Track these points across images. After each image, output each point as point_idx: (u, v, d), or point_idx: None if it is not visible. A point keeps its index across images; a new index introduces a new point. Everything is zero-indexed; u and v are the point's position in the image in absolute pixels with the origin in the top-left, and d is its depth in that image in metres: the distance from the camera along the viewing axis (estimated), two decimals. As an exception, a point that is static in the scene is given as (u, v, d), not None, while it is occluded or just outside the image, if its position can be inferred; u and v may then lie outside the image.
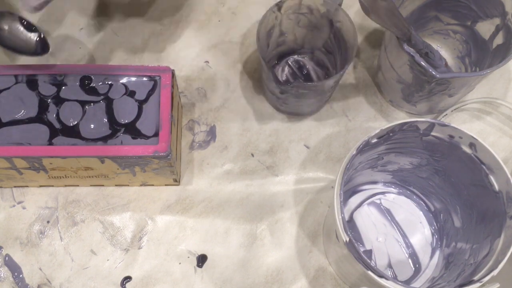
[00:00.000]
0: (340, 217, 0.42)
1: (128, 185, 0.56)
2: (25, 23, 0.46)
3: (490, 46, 0.56)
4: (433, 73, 0.48)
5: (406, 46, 0.49)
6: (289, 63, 0.61)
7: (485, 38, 0.56)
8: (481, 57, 0.57)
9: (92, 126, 0.49)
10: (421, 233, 0.54)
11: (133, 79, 0.50)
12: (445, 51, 0.62)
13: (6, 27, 0.45)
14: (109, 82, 0.50)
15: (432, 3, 0.57)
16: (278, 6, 0.53)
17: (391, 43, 0.53)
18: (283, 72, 0.61)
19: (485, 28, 0.56)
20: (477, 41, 0.58)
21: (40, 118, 0.49)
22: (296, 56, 0.61)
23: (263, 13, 0.52)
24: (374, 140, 0.46)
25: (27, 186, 0.55)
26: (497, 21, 0.54)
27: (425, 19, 0.59)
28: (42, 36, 0.47)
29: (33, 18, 0.52)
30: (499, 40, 0.54)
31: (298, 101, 0.55)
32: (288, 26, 0.56)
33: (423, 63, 0.48)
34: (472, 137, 0.45)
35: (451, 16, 0.58)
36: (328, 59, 0.59)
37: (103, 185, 0.56)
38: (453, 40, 0.61)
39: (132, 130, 0.49)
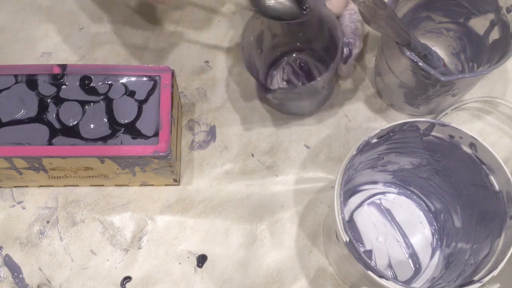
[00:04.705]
0: (340, 217, 0.42)
1: (128, 185, 0.56)
2: None
3: (486, 41, 0.55)
4: (438, 76, 0.48)
5: (408, 52, 0.49)
6: (290, 62, 0.61)
7: (479, 34, 0.56)
8: (477, 52, 0.57)
9: (92, 126, 0.49)
10: (421, 233, 0.54)
11: (133, 79, 0.50)
12: (438, 49, 0.61)
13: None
14: (109, 82, 0.50)
15: (423, 4, 0.56)
16: None
17: (389, 49, 0.52)
18: (284, 72, 0.61)
19: (479, 23, 0.55)
20: (471, 37, 0.57)
21: (40, 118, 0.49)
22: (295, 54, 0.61)
23: (263, 13, 0.52)
24: (374, 140, 0.46)
25: (27, 186, 0.55)
26: (491, 16, 0.54)
27: (417, 19, 0.59)
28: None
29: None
30: (495, 35, 0.54)
31: (293, 103, 0.54)
32: (278, 27, 0.56)
33: (427, 69, 0.48)
34: (472, 137, 0.45)
35: (443, 15, 0.58)
36: (327, 54, 0.59)
37: (103, 185, 0.56)
38: (446, 37, 0.60)
39: (132, 130, 0.49)
